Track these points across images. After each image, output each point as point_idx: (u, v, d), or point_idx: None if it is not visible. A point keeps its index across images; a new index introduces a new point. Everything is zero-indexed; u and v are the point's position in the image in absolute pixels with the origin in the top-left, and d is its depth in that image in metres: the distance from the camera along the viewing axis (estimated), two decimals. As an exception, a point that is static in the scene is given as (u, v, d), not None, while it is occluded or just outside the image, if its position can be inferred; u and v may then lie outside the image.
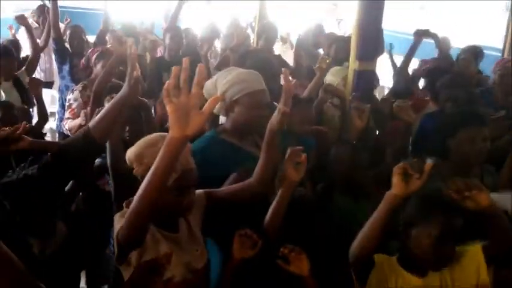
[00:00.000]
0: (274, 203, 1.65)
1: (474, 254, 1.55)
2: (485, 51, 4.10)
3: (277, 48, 4.60)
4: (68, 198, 2.23)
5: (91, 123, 1.54)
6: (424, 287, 1.55)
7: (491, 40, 6.54)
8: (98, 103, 2.37)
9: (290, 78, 1.83)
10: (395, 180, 1.45)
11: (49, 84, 5.31)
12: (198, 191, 1.55)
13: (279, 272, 1.61)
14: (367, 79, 3.00)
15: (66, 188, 2.05)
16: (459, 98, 2.75)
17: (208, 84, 2.00)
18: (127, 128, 2.28)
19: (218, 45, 4.83)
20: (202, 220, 1.58)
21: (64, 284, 1.74)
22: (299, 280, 1.61)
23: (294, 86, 1.84)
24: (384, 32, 3.01)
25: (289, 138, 1.67)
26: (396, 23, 6.28)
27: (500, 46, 6.54)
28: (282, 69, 1.58)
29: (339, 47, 3.75)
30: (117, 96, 1.55)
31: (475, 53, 3.93)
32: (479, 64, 4.04)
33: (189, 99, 1.09)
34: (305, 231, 1.74)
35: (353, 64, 2.96)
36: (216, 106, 1.44)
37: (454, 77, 3.13)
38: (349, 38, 3.27)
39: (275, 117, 1.55)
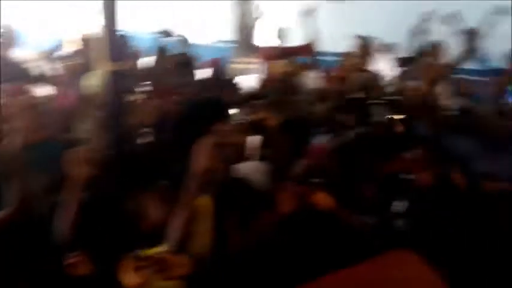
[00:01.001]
0: (64, 208, 1.52)
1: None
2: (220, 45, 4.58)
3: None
4: None
5: None
6: None
7: (226, 35, 7.28)
8: None
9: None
10: None
11: None
12: None
13: None
14: (120, 79, 2.99)
15: None
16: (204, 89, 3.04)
17: None
18: None
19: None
20: None
21: None
22: None
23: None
24: (139, 34, 3.05)
25: (33, 149, 1.54)
26: (149, 24, 6.32)
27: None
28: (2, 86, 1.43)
29: (94, 49, 3.58)
30: None
31: None
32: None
33: None
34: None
35: (106, 65, 2.90)
36: None
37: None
38: (99, 40, 3.15)
39: (12, 139, 1.40)
